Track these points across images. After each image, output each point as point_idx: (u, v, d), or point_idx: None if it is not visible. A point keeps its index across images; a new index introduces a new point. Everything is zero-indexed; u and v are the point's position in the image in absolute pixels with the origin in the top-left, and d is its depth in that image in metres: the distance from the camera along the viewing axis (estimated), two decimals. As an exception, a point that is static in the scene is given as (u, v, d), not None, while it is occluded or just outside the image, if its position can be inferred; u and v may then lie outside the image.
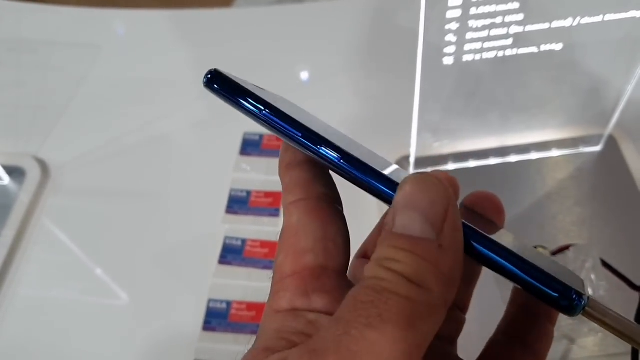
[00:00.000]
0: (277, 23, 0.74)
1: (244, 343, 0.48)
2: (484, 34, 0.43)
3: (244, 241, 0.54)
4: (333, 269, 0.24)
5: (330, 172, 0.24)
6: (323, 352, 0.18)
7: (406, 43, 0.47)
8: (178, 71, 0.68)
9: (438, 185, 0.20)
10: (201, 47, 0.71)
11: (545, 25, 0.44)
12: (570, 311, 0.20)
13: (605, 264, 0.48)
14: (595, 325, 0.53)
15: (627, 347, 0.50)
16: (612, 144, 0.57)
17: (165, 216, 0.58)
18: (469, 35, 0.43)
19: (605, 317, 0.21)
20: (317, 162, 0.22)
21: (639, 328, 0.21)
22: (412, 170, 0.56)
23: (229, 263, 0.53)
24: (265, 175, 0.59)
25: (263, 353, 0.21)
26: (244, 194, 0.57)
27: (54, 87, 0.67)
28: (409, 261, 0.20)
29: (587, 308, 0.20)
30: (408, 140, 0.53)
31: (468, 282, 0.28)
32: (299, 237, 0.24)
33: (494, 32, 0.43)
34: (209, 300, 0.51)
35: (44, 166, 0.61)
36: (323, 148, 0.22)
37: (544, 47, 0.46)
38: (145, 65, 0.69)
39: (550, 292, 0.20)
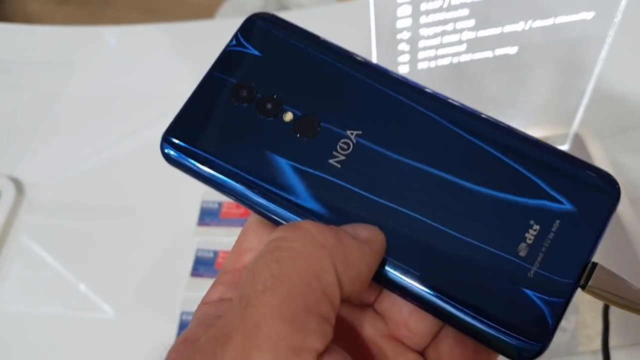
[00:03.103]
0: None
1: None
2: (437, 41, 0.44)
3: (215, 253, 0.55)
4: None
5: None
6: (229, 333, 0.17)
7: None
8: (151, 86, 0.69)
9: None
10: (180, 61, 0.71)
11: (497, 30, 0.44)
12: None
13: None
14: (563, 324, 0.52)
15: (597, 345, 0.50)
16: (578, 142, 0.57)
17: (139, 230, 0.58)
18: (422, 43, 0.44)
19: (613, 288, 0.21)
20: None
21: None
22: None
23: (200, 275, 0.54)
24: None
25: (181, 345, 0.20)
26: (216, 206, 0.58)
27: (27, 106, 0.67)
28: (310, 223, 0.20)
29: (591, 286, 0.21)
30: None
31: None
32: (245, 237, 0.24)
33: (447, 39, 0.44)
34: (182, 313, 0.52)
35: (18, 185, 0.61)
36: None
37: (498, 52, 0.46)
38: (117, 81, 0.69)
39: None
